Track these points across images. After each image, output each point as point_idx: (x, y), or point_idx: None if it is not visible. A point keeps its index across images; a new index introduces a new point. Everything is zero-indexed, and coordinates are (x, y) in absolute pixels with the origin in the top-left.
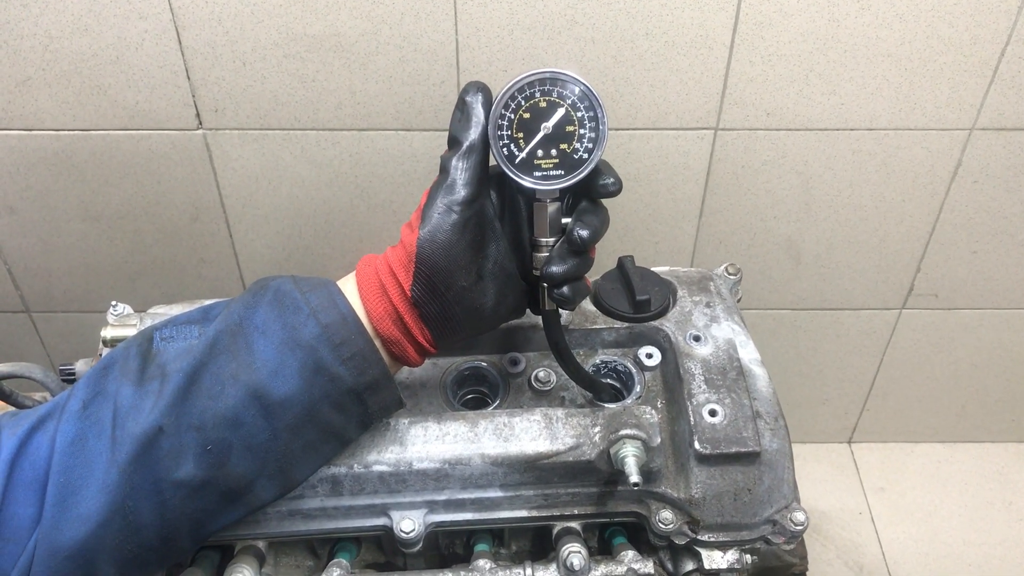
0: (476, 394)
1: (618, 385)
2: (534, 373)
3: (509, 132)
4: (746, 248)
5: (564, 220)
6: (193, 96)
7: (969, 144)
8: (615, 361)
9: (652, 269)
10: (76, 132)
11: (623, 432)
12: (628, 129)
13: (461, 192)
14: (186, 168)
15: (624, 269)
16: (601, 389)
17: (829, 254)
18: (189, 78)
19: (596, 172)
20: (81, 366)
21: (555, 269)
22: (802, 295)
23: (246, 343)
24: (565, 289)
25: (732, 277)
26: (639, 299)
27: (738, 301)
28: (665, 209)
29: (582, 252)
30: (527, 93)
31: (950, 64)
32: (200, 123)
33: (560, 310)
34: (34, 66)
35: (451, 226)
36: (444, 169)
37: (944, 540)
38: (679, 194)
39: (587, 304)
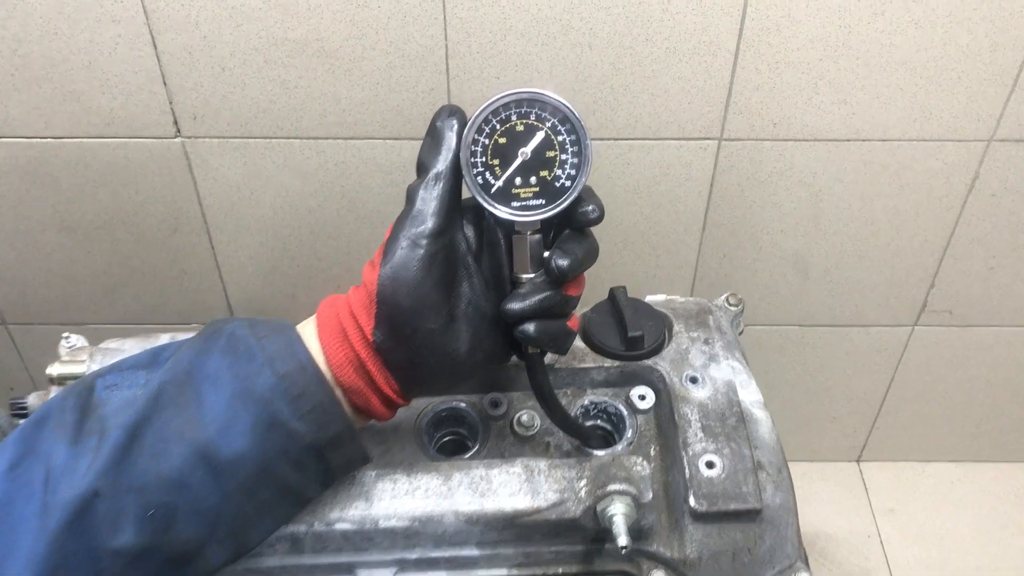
0: (454, 436)
1: (608, 427)
2: (517, 416)
3: (484, 159)
4: (751, 262)
5: (547, 253)
6: (170, 103)
7: (987, 156)
8: (605, 402)
9: (647, 299)
10: (49, 140)
11: (611, 487)
12: (627, 139)
13: (427, 223)
14: (164, 177)
15: (615, 301)
16: (589, 436)
17: (838, 269)
18: (165, 84)
19: (577, 200)
20: (33, 400)
21: (513, 305)
22: (810, 311)
23: (195, 395)
24: (529, 327)
25: (733, 308)
26: (631, 335)
27: (740, 333)
28: (666, 222)
29: (559, 284)
30: (502, 116)
31: (968, 73)
32: (178, 131)
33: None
34: (3, 71)
35: (416, 261)
36: (410, 199)
37: (956, 564)
38: (681, 207)
39: (576, 339)
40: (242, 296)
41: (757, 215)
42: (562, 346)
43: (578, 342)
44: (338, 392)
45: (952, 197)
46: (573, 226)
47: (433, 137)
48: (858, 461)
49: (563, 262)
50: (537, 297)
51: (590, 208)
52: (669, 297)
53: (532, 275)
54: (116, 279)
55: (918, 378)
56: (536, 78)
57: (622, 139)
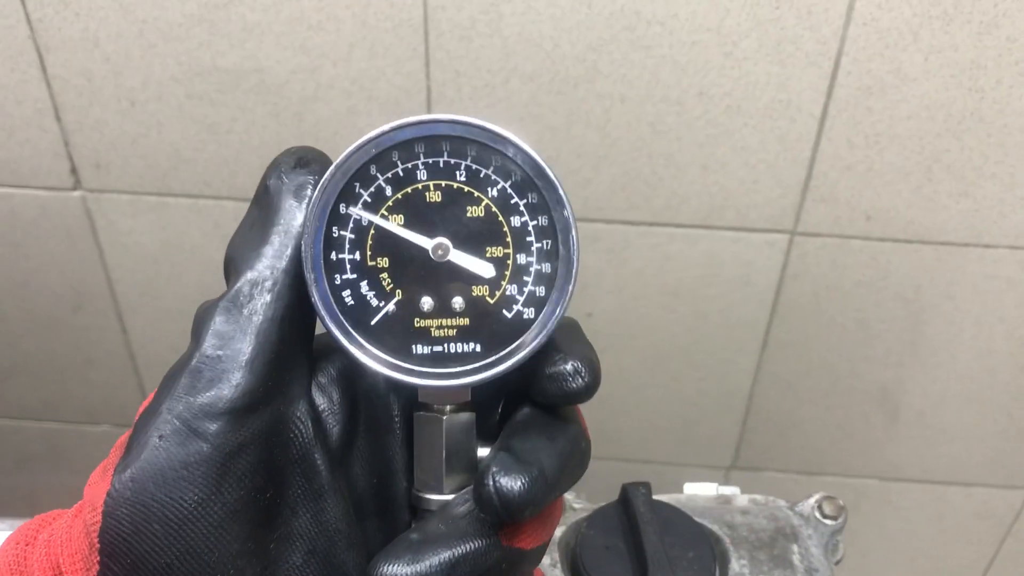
0: None
1: None
2: None
3: (355, 256)
4: (823, 396)
5: (482, 452)
6: (66, 144)
7: None
8: None
9: (686, 490)
10: None
11: None
12: (667, 225)
13: (225, 385)
14: (62, 241)
15: (632, 511)
16: None
17: (937, 412)
18: (59, 119)
19: (548, 347)
20: None
21: (390, 569)
22: (896, 462)
23: None
24: None
25: (829, 523)
26: None
27: (837, 562)
28: (714, 334)
29: (499, 525)
30: (399, 170)
31: None
32: (77, 182)
33: None
34: None
35: (191, 467)
36: (196, 333)
37: None
38: (735, 317)
39: None
40: None
41: (835, 335)
42: None
43: None
44: None
45: None
46: (538, 398)
47: (260, 208)
48: None
49: (511, 484)
50: (446, 556)
51: (569, 367)
52: (723, 491)
53: (449, 496)
54: (6, 366)
55: None
56: (549, 137)
57: (660, 225)
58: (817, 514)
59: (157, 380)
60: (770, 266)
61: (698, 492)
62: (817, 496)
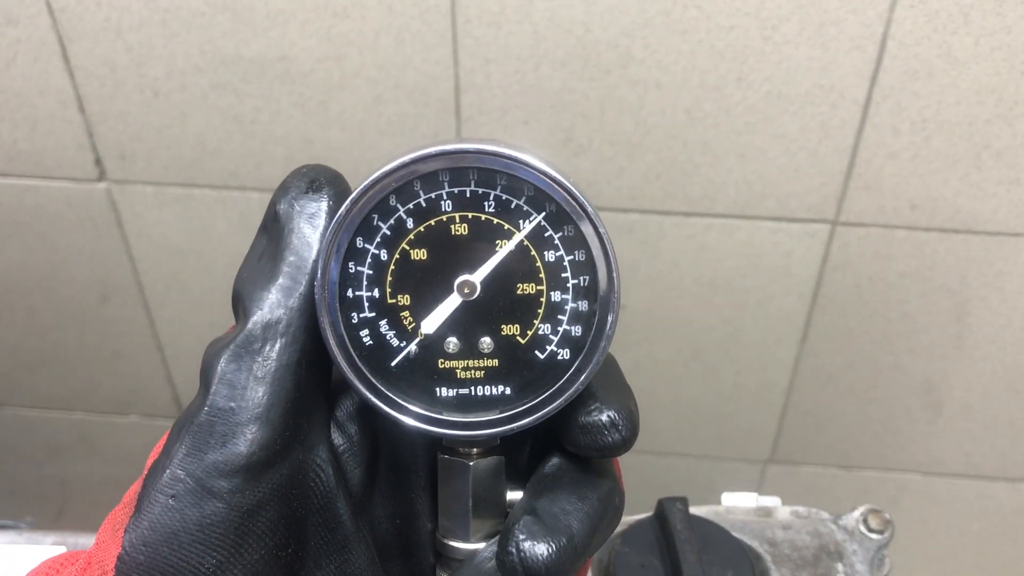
0: None
1: None
2: None
3: (374, 293)
4: (865, 389)
5: (511, 496)
6: (90, 135)
7: None
8: None
9: (724, 501)
10: None
11: None
12: (704, 215)
13: (240, 440)
14: (87, 232)
15: (669, 528)
16: None
17: (983, 406)
18: (83, 110)
19: (585, 395)
20: None
21: None
22: (940, 457)
23: None
24: None
25: (875, 537)
26: None
27: None
28: (751, 327)
29: None
30: (420, 202)
31: None
32: (102, 173)
33: None
34: None
35: (209, 528)
36: (205, 379)
37: None
38: (774, 309)
39: None
40: (191, 385)
41: (878, 327)
42: None
43: None
44: None
45: None
46: (569, 447)
47: (270, 237)
48: None
49: (536, 552)
50: None
51: (605, 419)
52: (763, 502)
53: (476, 545)
54: (33, 357)
55: None
56: (581, 125)
57: (696, 215)
58: (862, 528)
59: (185, 371)
60: (810, 257)
61: (737, 503)
62: (862, 509)
